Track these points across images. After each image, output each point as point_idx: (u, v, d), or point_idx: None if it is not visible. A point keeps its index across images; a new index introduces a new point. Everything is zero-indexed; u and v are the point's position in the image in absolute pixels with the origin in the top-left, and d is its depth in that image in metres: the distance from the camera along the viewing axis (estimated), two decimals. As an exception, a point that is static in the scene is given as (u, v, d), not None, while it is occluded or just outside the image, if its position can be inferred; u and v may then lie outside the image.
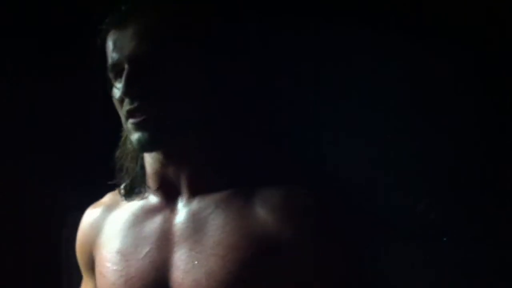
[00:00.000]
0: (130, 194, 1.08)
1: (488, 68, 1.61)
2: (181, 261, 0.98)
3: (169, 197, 1.04)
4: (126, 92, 0.96)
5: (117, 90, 0.99)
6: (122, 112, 1.00)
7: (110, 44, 1.00)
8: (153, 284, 0.99)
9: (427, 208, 1.60)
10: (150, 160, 1.04)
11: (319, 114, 1.56)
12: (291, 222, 0.95)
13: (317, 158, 1.31)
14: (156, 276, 1.00)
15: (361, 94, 1.60)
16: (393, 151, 1.61)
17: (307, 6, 1.59)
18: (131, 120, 0.98)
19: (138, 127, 0.97)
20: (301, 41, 1.58)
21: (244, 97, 1.03)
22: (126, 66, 0.97)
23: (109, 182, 1.11)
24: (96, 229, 1.12)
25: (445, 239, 1.60)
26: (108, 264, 1.04)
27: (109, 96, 1.03)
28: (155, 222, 1.04)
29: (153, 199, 1.06)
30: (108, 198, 1.16)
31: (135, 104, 0.97)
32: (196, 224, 0.99)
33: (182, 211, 1.02)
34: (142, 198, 1.07)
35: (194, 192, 1.02)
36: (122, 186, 1.10)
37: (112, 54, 0.99)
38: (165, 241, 1.01)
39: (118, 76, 0.99)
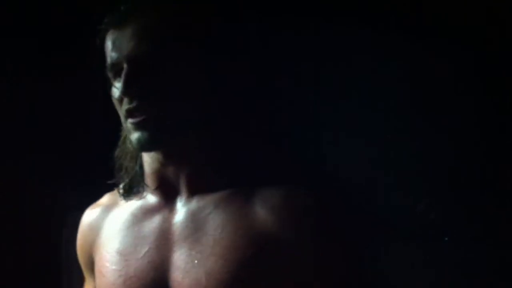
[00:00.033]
0: (129, 193, 1.08)
1: (488, 68, 1.61)
2: (181, 261, 0.98)
3: (168, 197, 1.04)
4: (125, 92, 0.97)
5: (116, 90, 0.99)
6: (121, 111, 1.01)
7: (109, 44, 1.00)
8: (152, 284, 0.99)
9: (427, 208, 1.60)
10: (148, 159, 1.04)
11: (319, 114, 1.56)
12: (291, 222, 0.95)
13: (317, 158, 1.31)
14: (155, 275, 1.00)
15: (361, 94, 1.60)
16: (393, 151, 1.61)
17: (307, 6, 1.58)
18: (130, 120, 0.98)
19: (137, 126, 0.97)
20: (301, 41, 1.58)
21: (244, 97, 1.03)
22: (125, 65, 0.97)
23: (108, 182, 1.11)
24: (95, 229, 1.12)
25: (445, 239, 1.60)
26: (107, 264, 1.04)
27: (109, 96, 1.04)
28: (154, 222, 1.04)
29: (151, 198, 1.06)
30: (106, 198, 1.16)
31: (134, 104, 0.97)
32: (195, 223, 0.99)
33: (181, 210, 1.02)
34: (141, 198, 1.07)
35: (193, 192, 1.02)
36: (121, 186, 1.10)
37: (111, 54, 0.99)
38: (164, 241, 1.01)
39: (117, 75, 0.99)
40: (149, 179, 1.06)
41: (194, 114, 1.00)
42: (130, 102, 0.97)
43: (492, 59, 1.60)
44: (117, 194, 1.11)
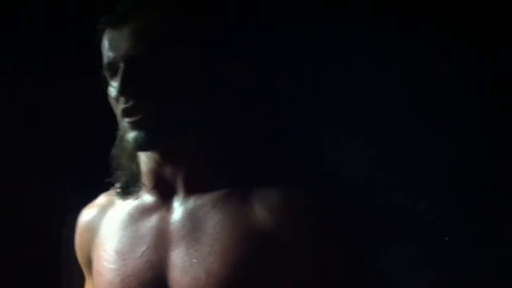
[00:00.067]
0: (125, 192, 1.09)
1: (488, 68, 1.61)
2: (179, 260, 0.98)
3: (165, 196, 1.04)
4: (121, 91, 0.97)
5: (113, 89, 0.99)
6: (117, 111, 1.01)
7: (106, 43, 1.00)
8: (150, 283, 1.00)
9: (427, 208, 1.60)
10: (145, 159, 1.04)
11: (319, 114, 1.56)
12: (291, 222, 0.95)
13: (317, 158, 1.31)
14: (153, 274, 1.00)
15: (361, 94, 1.60)
16: (393, 151, 1.61)
17: (307, 6, 1.58)
18: (126, 119, 0.98)
19: (134, 126, 0.98)
20: (301, 41, 1.58)
21: (244, 97, 1.03)
22: (121, 65, 0.97)
23: (105, 180, 1.11)
24: (93, 229, 1.12)
25: (445, 239, 1.60)
26: (105, 263, 1.05)
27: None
28: (151, 221, 1.04)
29: (148, 198, 1.06)
30: (102, 198, 1.16)
31: (130, 103, 0.97)
32: (193, 222, 0.99)
33: (178, 210, 1.02)
34: (138, 198, 1.07)
35: (191, 191, 1.02)
36: (117, 185, 1.10)
37: (108, 53, 0.99)
38: (161, 240, 1.01)
39: (114, 75, 0.99)
40: (146, 178, 1.06)
41: (194, 114, 1.00)
42: (127, 101, 0.97)
43: (492, 59, 1.60)
44: (113, 194, 1.11)
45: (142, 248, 1.02)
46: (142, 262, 1.01)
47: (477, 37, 1.59)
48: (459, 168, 1.62)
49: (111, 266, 1.03)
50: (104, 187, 1.14)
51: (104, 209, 1.13)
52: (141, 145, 0.99)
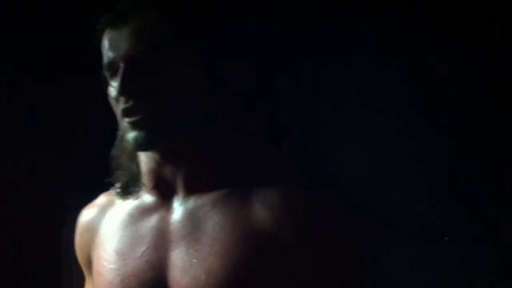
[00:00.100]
0: (125, 192, 1.09)
1: (488, 68, 1.61)
2: (179, 260, 0.98)
3: (165, 196, 1.04)
4: (121, 91, 0.97)
5: (113, 89, 0.99)
6: (117, 110, 1.01)
7: (106, 43, 1.00)
8: (150, 283, 1.00)
9: (427, 208, 1.60)
10: (145, 159, 1.04)
11: (319, 114, 1.56)
12: (291, 222, 0.95)
13: (317, 158, 1.31)
14: (153, 274, 1.00)
15: (361, 94, 1.60)
16: (393, 151, 1.61)
17: (307, 6, 1.58)
18: (126, 119, 0.98)
19: (133, 125, 0.98)
20: (301, 41, 1.58)
21: (244, 97, 1.03)
22: (121, 65, 0.97)
23: (105, 180, 1.11)
24: (93, 229, 1.12)
25: (445, 239, 1.60)
26: (105, 263, 1.05)
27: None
28: (151, 221, 1.04)
29: (148, 198, 1.06)
30: (102, 198, 1.16)
31: (130, 103, 0.97)
32: (193, 222, 0.99)
33: (178, 210, 1.02)
34: (137, 198, 1.07)
35: (191, 191, 1.02)
36: (117, 185, 1.10)
37: (108, 53, 0.99)
38: (161, 240, 1.01)
39: (114, 75, 0.99)
40: (145, 178, 1.06)
41: (194, 114, 1.00)
42: (127, 101, 0.97)
43: (492, 59, 1.60)
44: (113, 194, 1.11)
45: (142, 248, 1.02)
46: (142, 262, 1.01)
47: (477, 37, 1.59)
48: (459, 168, 1.62)
49: (111, 266, 1.03)
50: (104, 187, 1.14)
51: (104, 209, 1.13)
52: (141, 145, 0.99)
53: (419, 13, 1.60)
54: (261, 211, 0.96)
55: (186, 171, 1.02)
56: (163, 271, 0.99)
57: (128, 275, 1.01)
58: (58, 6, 1.76)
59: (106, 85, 1.03)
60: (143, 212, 1.05)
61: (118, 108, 0.99)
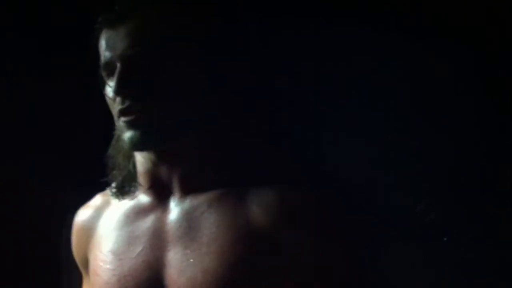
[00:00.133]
0: (121, 192, 1.09)
1: (488, 68, 1.61)
2: (176, 260, 0.98)
3: (161, 197, 1.04)
4: (118, 91, 0.97)
5: (110, 89, 0.99)
6: (114, 110, 1.01)
7: (103, 43, 1.00)
8: (147, 283, 1.00)
9: (427, 208, 1.60)
10: (141, 159, 1.04)
11: (319, 114, 1.56)
12: (290, 222, 0.95)
13: (317, 158, 1.31)
14: (149, 274, 1.00)
15: (361, 94, 1.60)
16: (393, 151, 1.61)
17: (307, 6, 1.58)
18: (123, 118, 0.98)
19: (129, 125, 0.98)
20: (301, 41, 1.58)
21: (244, 97, 1.03)
22: (118, 65, 0.97)
23: (101, 180, 1.11)
24: (89, 229, 1.12)
25: (445, 239, 1.60)
26: (101, 264, 1.05)
27: (107, 95, 1.04)
28: (147, 222, 1.04)
29: (144, 198, 1.06)
30: (98, 199, 1.16)
31: (127, 103, 0.97)
32: (189, 222, 0.99)
33: (175, 210, 1.02)
34: (133, 198, 1.07)
35: (187, 192, 1.02)
36: (113, 185, 1.10)
37: (104, 53, 1.00)
38: (157, 240, 1.01)
39: (110, 75, 1.00)
40: (142, 178, 1.06)
41: (194, 114, 1.00)
42: (123, 101, 0.97)
43: (492, 59, 1.60)
44: (109, 195, 1.11)
45: (138, 248, 1.02)
46: (139, 262, 1.01)
47: (477, 37, 1.59)
48: (459, 168, 1.62)
49: (107, 266, 1.03)
50: (104, 187, 1.14)
51: (100, 209, 1.13)
52: (137, 145, 0.99)
53: (419, 13, 1.60)
54: (257, 210, 0.96)
55: (183, 171, 1.02)
56: (160, 271, 0.99)
57: (125, 275, 1.01)
58: (58, 6, 1.76)
59: (103, 85, 1.03)
60: (139, 212, 1.06)
61: (115, 108, 0.99)
